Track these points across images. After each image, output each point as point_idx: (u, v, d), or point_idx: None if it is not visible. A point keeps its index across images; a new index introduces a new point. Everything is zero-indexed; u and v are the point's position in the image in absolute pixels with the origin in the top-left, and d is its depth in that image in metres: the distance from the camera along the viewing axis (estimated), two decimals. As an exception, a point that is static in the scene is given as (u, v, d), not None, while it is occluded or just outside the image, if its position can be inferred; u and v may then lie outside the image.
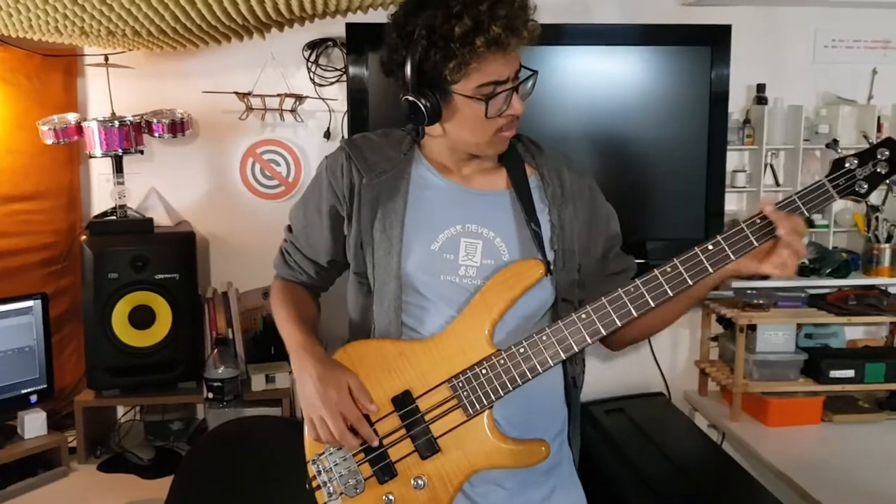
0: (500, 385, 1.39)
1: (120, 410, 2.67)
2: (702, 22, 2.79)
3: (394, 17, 1.41)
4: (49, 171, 2.59)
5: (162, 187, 2.72)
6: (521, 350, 1.39)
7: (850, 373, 2.79)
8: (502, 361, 1.39)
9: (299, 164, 2.77)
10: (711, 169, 2.81)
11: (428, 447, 1.41)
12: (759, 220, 1.33)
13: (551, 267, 1.46)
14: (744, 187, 2.98)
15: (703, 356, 3.06)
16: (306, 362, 1.44)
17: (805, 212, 1.32)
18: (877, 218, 2.88)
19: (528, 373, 1.39)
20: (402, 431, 1.42)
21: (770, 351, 2.81)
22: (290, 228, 1.68)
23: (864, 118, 2.95)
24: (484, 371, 1.40)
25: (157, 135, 2.53)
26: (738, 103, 2.92)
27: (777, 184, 3.01)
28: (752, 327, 2.79)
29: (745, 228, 1.33)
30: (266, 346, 2.61)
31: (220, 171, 2.76)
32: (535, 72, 1.42)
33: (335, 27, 2.62)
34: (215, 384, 2.34)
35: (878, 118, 2.93)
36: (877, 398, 2.93)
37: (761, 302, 2.82)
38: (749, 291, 2.85)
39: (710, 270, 1.33)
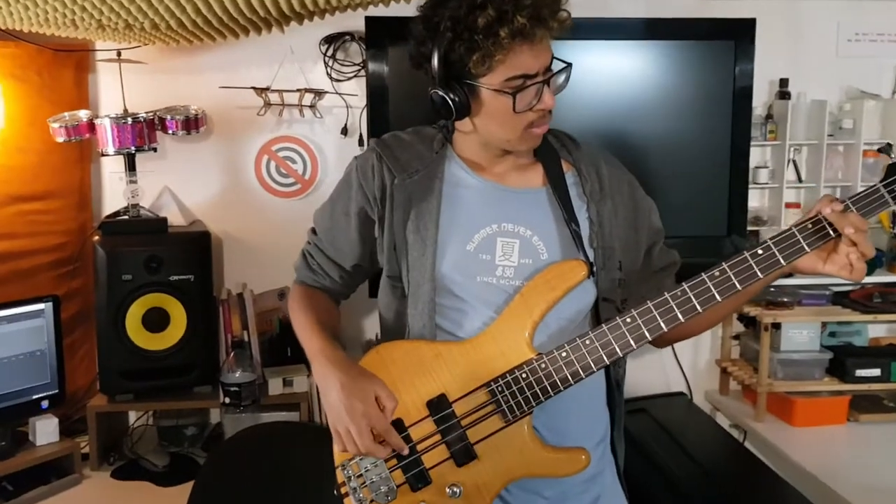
0: (540, 390, 1.34)
1: (132, 416, 2.61)
2: (724, 16, 2.73)
3: (421, 8, 1.36)
4: (60, 170, 2.53)
5: (175, 186, 2.66)
6: (564, 354, 1.33)
7: (876, 371, 2.74)
8: (544, 366, 1.34)
9: (316, 161, 2.71)
10: (735, 165, 2.75)
11: (464, 454, 1.36)
12: (811, 224, 1.27)
13: (593, 267, 1.41)
14: (766, 183, 2.92)
15: (725, 355, 3.00)
16: (329, 370, 1.38)
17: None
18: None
19: (570, 378, 1.33)
20: (438, 437, 1.37)
21: (795, 349, 2.76)
22: (314, 230, 1.63)
23: (889, 113, 2.90)
24: (524, 375, 1.34)
25: (170, 132, 2.47)
26: (760, 98, 2.85)
27: (800, 180, 2.95)
28: (777, 325, 2.74)
29: (797, 233, 1.27)
30: (283, 349, 2.55)
31: (234, 169, 2.70)
32: (569, 64, 1.36)
33: (352, 21, 2.57)
34: (232, 389, 2.28)
35: (904, 112, 2.88)
36: (903, 397, 2.89)
37: (785, 300, 2.77)
38: (772, 289, 2.79)
39: (760, 276, 1.28)
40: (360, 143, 2.70)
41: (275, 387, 2.40)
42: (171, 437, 2.50)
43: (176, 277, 2.33)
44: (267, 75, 2.60)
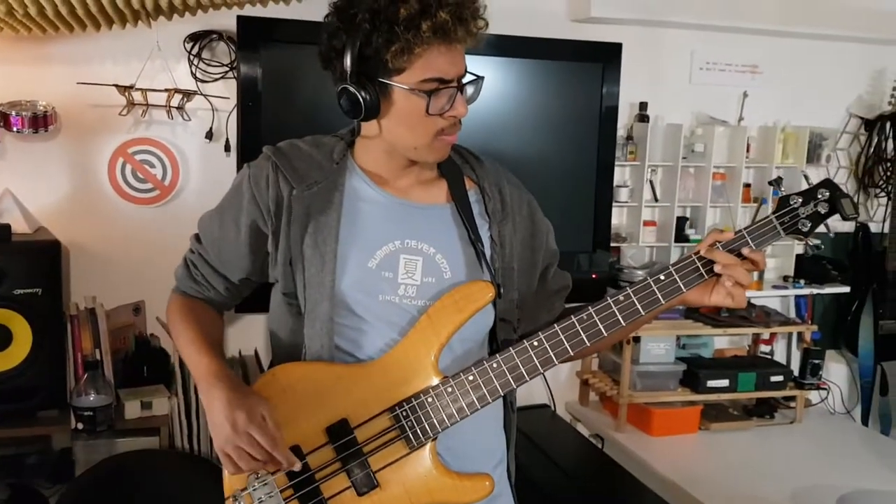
0: (447, 416, 1.30)
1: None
2: (594, 39, 2.82)
3: (335, 1, 1.29)
4: None
5: (18, 189, 2.40)
6: (471, 378, 1.31)
7: (724, 382, 2.93)
8: (450, 390, 1.30)
9: (177, 166, 2.53)
10: (600, 183, 2.86)
11: (366, 482, 1.29)
12: (688, 265, 1.32)
13: (500, 289, 1.39)
14: (626, 202, 3.05)
15: (585, 367, 3.10)
16: (217, 388, 1.28)
17: (753, 248, 1.32)
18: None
19: (476, 402, 1.31)
20: (338, 465, 1.30)
21: (652, 362, 2.89)
22: (198, 238, 1.50)
23: (735, 138, 3.11)
24: (430, 400, 1.30)
25: (14, 129, 2.23)
26: (621, 120, 2.97)
27: (656, 199, 3.11)
28: (637, 339, 2.86)
29: (696, 260, 1.31)
30: (139, 369, 2.37)
31: (85, 173, 2.48)
32: (481, 77, 1.34)
33: (221, 19, 2.44)
34: (86, 413, 2.09)
35: (748, 139, 3.10)
36: (744, 405, 3.10)
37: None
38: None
39: (662, 301, 1.31)
40: (227, 148, 2.57)
41: (132, 410, 2.21)
42: (9, 468, 2.25)
43: (20, 291, 2.10)
44: (125, 71, 2.41)
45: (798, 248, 3.26)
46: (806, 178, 1.39)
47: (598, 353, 1.55)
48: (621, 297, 1.31)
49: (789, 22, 3.05)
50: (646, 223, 3.07)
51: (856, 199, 3.40)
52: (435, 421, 1.30)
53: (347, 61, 1.25)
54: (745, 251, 1.30)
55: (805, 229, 1.34)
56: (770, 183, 2.98)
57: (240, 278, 1.47)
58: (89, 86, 2.37)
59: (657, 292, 1.31)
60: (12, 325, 2.12)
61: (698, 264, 1.31)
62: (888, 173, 3.34)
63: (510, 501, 1.51)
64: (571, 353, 1.31)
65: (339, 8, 1.27)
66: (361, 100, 1.27)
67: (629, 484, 2.46)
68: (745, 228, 1.32)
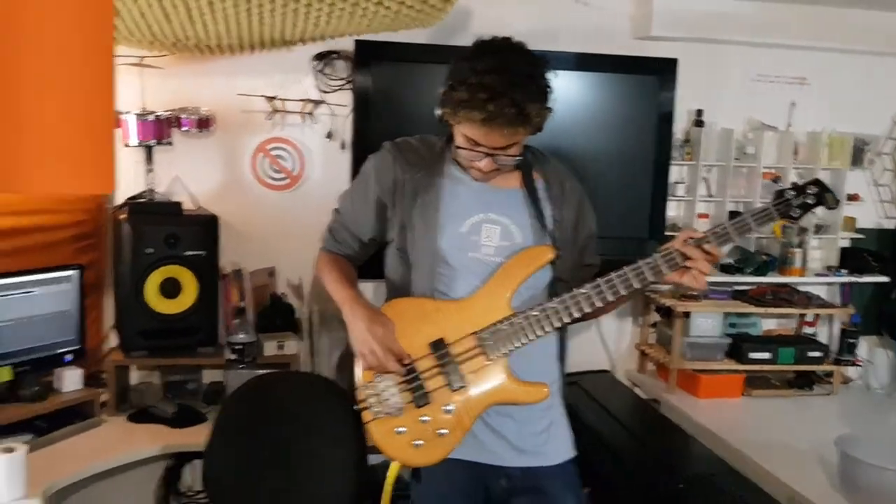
0: (517, 339, 1.80)
1: (138, 373, 2.98)
2: (652, 55, 3.28)
3: (457, 57, 1.76)
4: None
5: (184, 175, 3.04)
6: (535, 313, 1.80)
7: (766, 355, 3.33)
8: (520, 321, 1.80)
9: (303, 160, 3.13)
10: (656, 180, 3.31)
11: (457, 382, 1.81)
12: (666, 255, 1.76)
13: (559, 252, 1.88)
14: (682, 196, 3.48)
15: (643, 340, 3.55)
16: (357, 310, 1.84)
17: (753, 227, 1.74)
18: (791, 228, 3.43)
19: (537, 331, 1.80)
20: (437, 369, 1.82)
21: (701, 335, 3.32)
22: (337, 211, 2.05)
23: (784, 142, 3.50)
24: (505, 327, 1.80)
25: (183, 129, 2.86)
26: (679, 125, 3.41)
27: (710, 194, 3.53)
28: (687, 314, 3.30)
29: (675, 253, 1.74)
30: (272, 319, 2.96)
31: (233, 163, 3.11)
32: (522, 156, 1.81)
33: (340, 42, 3.01)
34: (237, 347, 2.69)
35: (795, 143, 3.49)
36: (787, 378, 3.48)
37: (695, 293, 3.33)
38: (684, 285, 3.35)
39: (651, 279, 1.76)
40: (343, 146, 3.14)
41: (269, 348, 2.81)
42: (174, 391, 2.88)
43: (190, 253, 2.72)
44: (267, 83, 3.02)
45: (842, 241, 3.61)
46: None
47: (615, 309, 2.00)
48: (638, 266, 1.77)
49: (834, 39, 3.42)
50: (700, 216, 3.49)
51: (899, 198, 3.73)
52: (509, 342, 1.80)
53: (441, 94, 1.77)
54: (706, 247, 1.73)
55: (796, 215, 1.78)
56: (774, 180, 3.40)
57: (368, 238, 2.00)
58: (240, 95, 2.98)
59: (648, 272, 1.76)
60: (182, 279, 2.73)
61: (676, 256, 1.74)
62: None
63: (562, 413, 2.00)
64: (610, 299, 1.78)
65: (453, 63, 1.76)
66: (438, 119, 1.80)
67: (679, 435, 2.87)
68: (749, 212, 1.75)
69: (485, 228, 1.87)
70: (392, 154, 1.93)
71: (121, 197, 2.91)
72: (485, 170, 1.79)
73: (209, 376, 3.02)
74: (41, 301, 2.60)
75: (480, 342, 1.82)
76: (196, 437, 2.56)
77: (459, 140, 1.78)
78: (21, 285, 2.54)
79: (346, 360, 2.72)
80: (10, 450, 2.02)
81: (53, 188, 1.15)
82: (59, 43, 1.10)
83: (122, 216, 2.70)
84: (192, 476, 3.06)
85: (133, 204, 2.79)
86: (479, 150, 1.76)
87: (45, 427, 2.50)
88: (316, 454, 2.21)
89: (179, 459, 2.97)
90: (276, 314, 2.96)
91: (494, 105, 1.66)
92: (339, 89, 3.12)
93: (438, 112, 1.79)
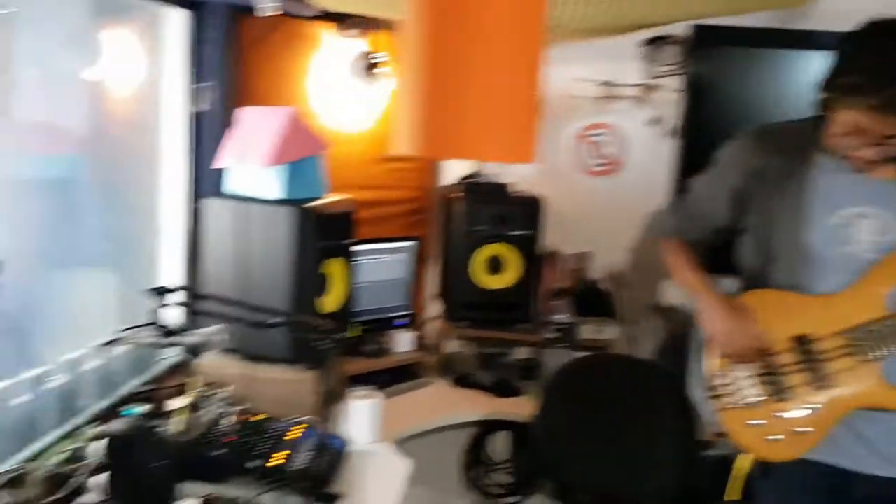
0: (894, 342, 1.68)
1: (454, 343, 3.16)
2: None
3: (854, 36, 1.66)
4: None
5: (508, 158, 3.17)
6: (917, 318, 1.67)
7: None
8: (900, 323, 1.68)
9: (625, 146, 3.13)
10: None
11: (822, 380, 1.72)
12: None
13: None
14: None
15: None
16: (717, 302, 1.83)
17: None
18: None
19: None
20: (801, 365, 1.74)
21: None
22: (684, 197, 2.03)
23: None
24: (882, 328, 1.69)
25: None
26: None
27: None
28: None
29: None
30: (589, 303, 3.00)
31: (556, 147, 3.19)
32: None
33: (669, 27, 2.96)
34: (559, 327, 2.76)
35: None
36: None
37: None
38: None
39: None
40: (670, 133, 3.09)
41: (588, 331, 2.86)
42: (490, 363, 3.03)
43: (515, 232, 2.84)
44: (595, 69, 3.06)
45: None
46: None
47: None
48: None
49: None
50: None
51: None
52: (887, 344, 1.68)
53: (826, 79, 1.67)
54: None
55: None
56: None
57: (720, 226, 1.96)
58: (575, 80, 3.05)
59: None
60: (507, 257, 2.86)
61: None
62: None
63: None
64: None
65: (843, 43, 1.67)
66: (818, 105, 1.69)
67: None
68: None
69: (859, 221, 1.76)
70: (755, 140, 1.87)
71: (450, 177, 3.10)
72: (872, 159, 1.67)
73: (518, 353, 3.13)
74: (386, 267, 2.86)
75: (851, 342, 1.72)
76: (515, 407, 2.69)
77: (839, 127, 1.67)
78: (375, 252, 2.81)
79: (668, 349, 2.72)
80: (368, 397, 2.23)
81: (491, 158, 1.26)
82: (501, 36, 1.21)
83: (456, 194, 2.87)
84: (492, 447, 3.20)
85: (468, 183, 2.96)
86: (866, 139, 1.65)
87: (384, 382, 2.74)
88: (651, 440, 2.25)
89: (486, 428, 3.12)
90: (592, 298, 3.00)
91: (892, 90, 1.55)
92: (668, 75, 3.08)
93: (820, 97, 1.70)
